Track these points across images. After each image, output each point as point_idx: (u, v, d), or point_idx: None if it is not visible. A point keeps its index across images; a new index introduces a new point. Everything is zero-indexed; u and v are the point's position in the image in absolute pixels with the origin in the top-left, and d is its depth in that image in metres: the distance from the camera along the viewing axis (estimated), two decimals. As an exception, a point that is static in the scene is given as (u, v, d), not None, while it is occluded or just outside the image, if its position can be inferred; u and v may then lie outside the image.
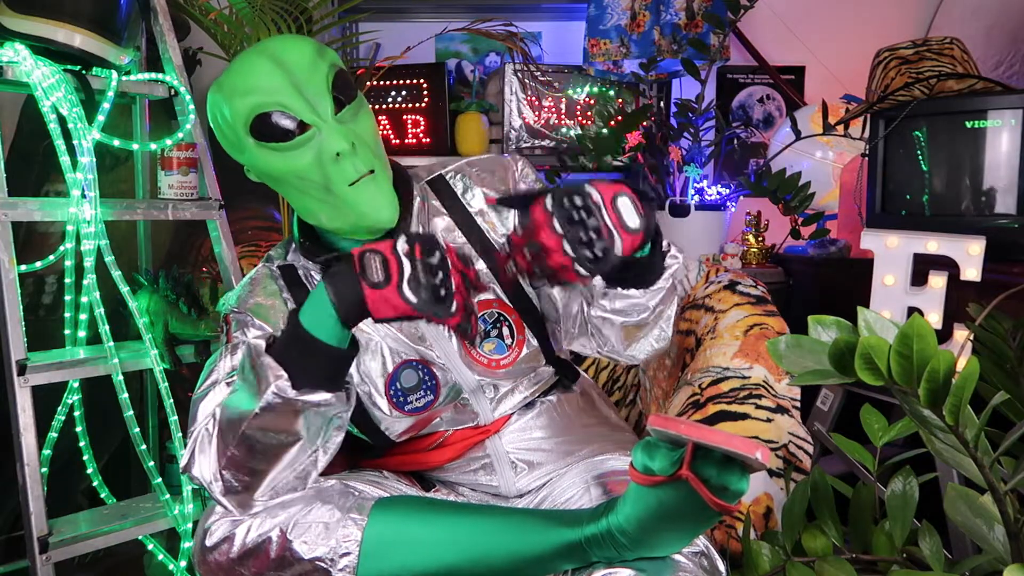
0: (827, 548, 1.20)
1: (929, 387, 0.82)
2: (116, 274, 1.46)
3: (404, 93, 2.74)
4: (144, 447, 1.48)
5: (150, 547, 1.56)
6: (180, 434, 1.51)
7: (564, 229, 0.86)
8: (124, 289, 1.47)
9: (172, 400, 1.50)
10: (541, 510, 1.04)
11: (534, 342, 1.19)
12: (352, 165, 1.05)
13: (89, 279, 1.45)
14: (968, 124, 1.65)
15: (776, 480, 1.40)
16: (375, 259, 0.87)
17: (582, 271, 0.87)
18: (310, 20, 2.06)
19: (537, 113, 2.78)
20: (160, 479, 1.50)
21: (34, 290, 1.90)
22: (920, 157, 1.73)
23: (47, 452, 1.48)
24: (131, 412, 1.47)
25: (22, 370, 1.36)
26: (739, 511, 1.34)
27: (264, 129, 1.05)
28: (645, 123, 2.52)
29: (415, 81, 2.73)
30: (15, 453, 1.36)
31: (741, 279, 1.63)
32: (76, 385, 1.54)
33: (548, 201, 0.88)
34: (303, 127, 1.05)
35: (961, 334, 1.40)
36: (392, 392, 1.14)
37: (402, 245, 0.88)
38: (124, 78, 1.56)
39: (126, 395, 1.45)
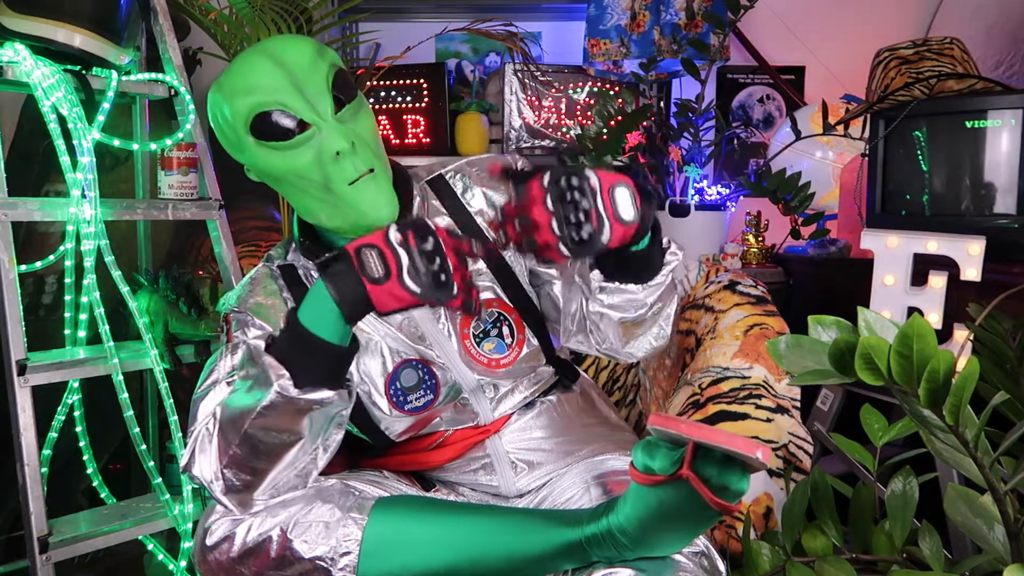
0: (827, 548, 1.20)
1: (929, 387, 0.82)
2: (116, 274, 1.46)
3: (404, 93, 2.74)
4: (144, 447, 1.48)
5: (150, 547, 1.56)
6: (180, 434, 1.51)
7: (555, 207, 0.87)
8: (124, 289, 1.47)
9: (172, 400, 1.50)
10: (541, 510, 1.04)
11: (534, 341, 1.19)
12: (352, 164, 1.05)
13: (89, 279, 1.45)
14: (968, 124, 1.65)
15: (776, 480, 1.40)
16: (372, 254, 0.87)
17: (564, 251, 0.87)
18: (310, 20, 2.06)
19: (537, 113, 2.78)
20: (160, 479, 1.50)
21: (34, 290, 1.90)
22: (920, 157, 1.73)
23: (47, 452, 1.48)
24: (131, 412, 1.47)
25: (22, 370, 1.36)
26: (739, 511, 1.34)
27: (264, 128, 1.05)
28: (645, 123, 2.52)
29: (415, 81, 2.73)
30: (15, 453, 1.36)
31: (741, 279, 1.63)
32: (76, 385, 1.54)
33: (546, 178, 0.88)
34: (303, 126, 1.05)
35: (961, 334, 1.40)
36: (392, 391, 1.14)
37: (394, 235, 0.88)
38: (124, 78, 1.56)
39: (126, 395, 1.45)
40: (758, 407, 1.44)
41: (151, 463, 1.50)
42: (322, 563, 0.98)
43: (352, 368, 0.99)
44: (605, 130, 2.56)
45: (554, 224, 0.87)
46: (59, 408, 1.53)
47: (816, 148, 2.49)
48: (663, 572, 0.94)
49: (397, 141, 2.75)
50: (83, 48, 1.45)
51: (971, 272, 1.40)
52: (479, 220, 1.19)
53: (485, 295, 1.17)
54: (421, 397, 1.15)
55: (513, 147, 2.78)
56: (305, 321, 0.91)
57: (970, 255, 1.40)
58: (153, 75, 1.62)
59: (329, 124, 1.05)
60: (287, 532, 0.98)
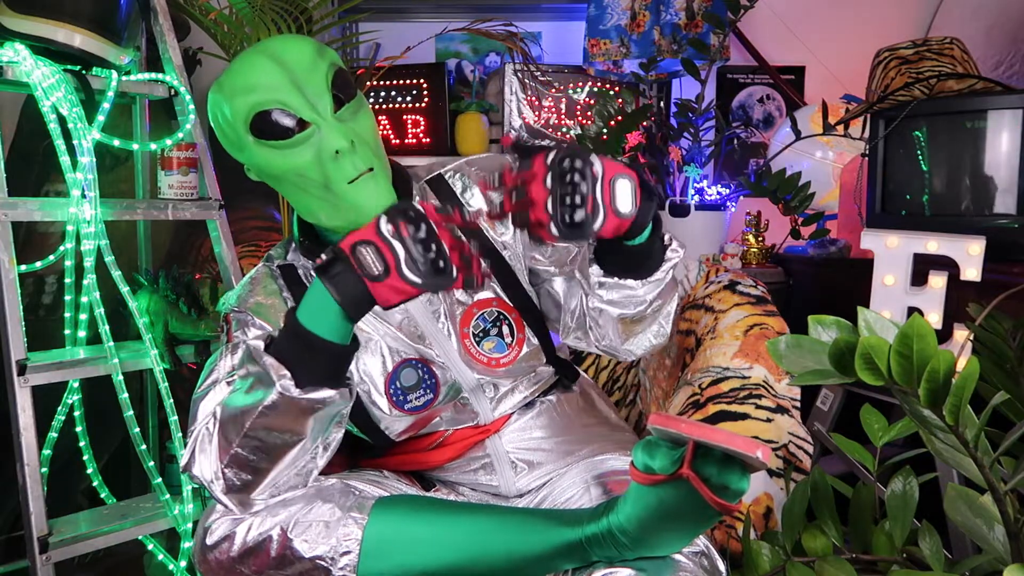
0: (827, 548, 1.20)
1: (929, 387, 0.82)
2: (116, 274, 1.46)
3: (404, 93, 2.74)
4: (144, 447, 1.48)
5: (150, 547, 1.56)
6: (180, 434, 1.51)
7: (554, 186, 0.86)
8: (124, 289, 1.47)
9: (172, 400, 1.50)
10: (541, 509, 1.04)
11: (534, 341, 1.19)
12: (351, 163, 1.05)
13: (89, 279, 1.45)
14: (968, 124, 1.65)
15: (776, 480, 1.40)
16: (368, 251, 0.87)
17: (554, 231, 0.87)
18: (310, 20, 2.06)
19: (537, 113, 2.78)
20: (160, 479, 1.50)
21: (34, 290, 1.90)
22: (920, 157, 1.73)
23: (47, 452, 1.48)
24: (131, 412, 1.47)
25: (22, 370, 1.36)
26: (739, 511, 1.34)
27: (264, 127, 1.05)
28: (645, 123, 2.52)
29: (415, 81, 2.73)
30: (15, 453, 1.36)
31: (741, 279, 1.63)
32: (76, 385, 1.54)
33: (551, 156, 0.88)
34: (303, 125, 1.05)
35: (961, 334, 1.40)
36: (392, 391, 1.14)
37: (385, 226, 0.87)
38: (124, 78, 1.56)
39: (126, 395, 1.45)
40: (758, 407, 1.44)
41: (151, 463, 1.50)
42: (322, 562, 0.98)
43: (352, 367, 0.99)
44: (605, 130, 2.57)
45: (549, 203, 0.86)
46: (59, 408, 1.53)
47: (816, 148, 2.49)
48: (663, 572, 0.94)
49: (397, 141, 2.75)
50: (83, 48, 1.45)
51: (971, 272, 1.40)
52: (479, 220, 1.19)
53: (485, 294, 1.18)
54: (421, 396, 1.15)
55: (513, 147, 2.77)
56: (305, 321, 0.91)
57: (970, 255, 1.40)
58: (153, 75, 1.62)
59: (329, 123, 1.05)
60: (287, 531, 0.98)
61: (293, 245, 1.21)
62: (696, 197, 2.51)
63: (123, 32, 1.52)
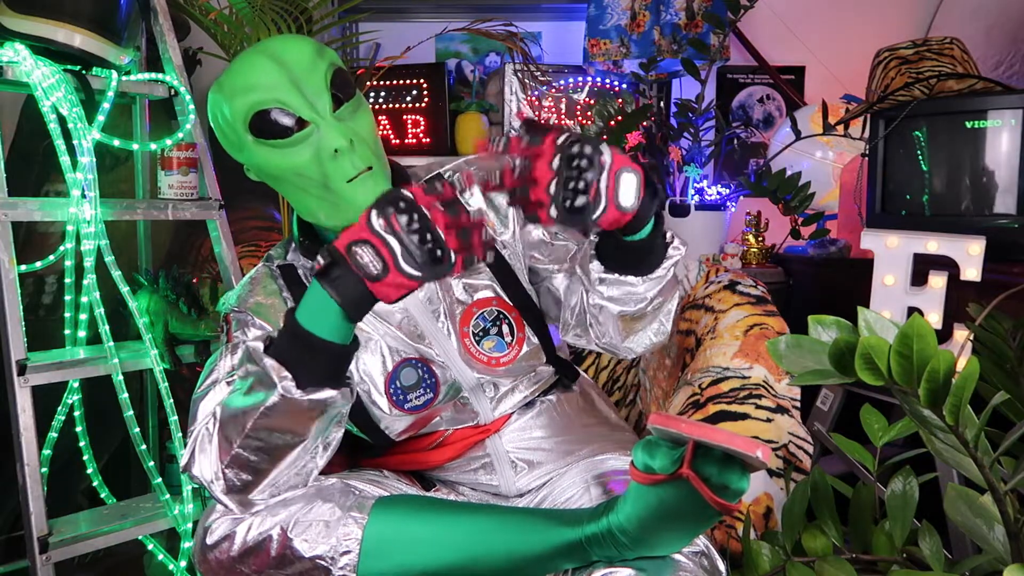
0: (827, 548, 1.20)
1: (929, 387, 0.82)
2: (116, 274, 1.46)
3: (404, 93, 2.74)
4: (144, 447, 1.48)
5: (150, 547, 1.56)
6: (180, 434, 1.51)
7: (559, 168, 0.85)
8: (124, 289, 1.47)
9: (172, 400, 1.50)
10: (541, 509, 1.04)
11: (534, 340, 1.19)
12: (350, 162, 1.05)
13: (89, 279, 1.45)
14: (968, 124, 1.65)
15: (776, 480, 1.40)
16: (364, 251, 0.86)
17: (553, 214, 0.86)
18: (310, 20, 2.06)
19: (537, 113, 2.78)
20: (160, 479, 1.50)
21: (34, 290, 1.90)
22: (920, 157, 1.73)
23: (47, 452, 1.48)
24: (131, 412, 1.47)
25: (22, 370, 1.36)
26: (739, 511, 1.34)
27: (263, 126, 1.05)
28: (645, 123, 2.52)
29: (415, 81, 2.73)
30: (15, 453, 1.36)
31: (741, 279, 1.63)
32: (76, 385, 1.54)
33: (561, 137, 0.87)
34: (302, 124, 1.05)
35: (961, 334, 1.40)
36: (392, 390, 1.14)
37: (377, 221, 0.86)
38: (124, 78, 1.56)
39: (126, 395, 1.45)
40: (758, 407, 1.44)
41: (151, 463, 1.50)
42: (322, 562, 0.98)
43: (352, 367, 0.99)
44: (605, 130, 2.57)
45: (552, 185, 0.85)
46: (59, 408, 1.53)
47: (816, 148, 2.49)
48: (663, 572, 0.94)
49: (397, 141, 2.75)
50: (83, 48, 1.45)
51: (971, 272, 1.40)
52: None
53: (484, 293, 1.17)
54: (421, 396, 1.15)
55: (513, 147, 2.77)
56: (304, 322, 0.90)
57: (970, 255, 1.40)
58: (153, 75, 1.62)
59: (327, 122, 1.05)
60: (287, 531, 0.98)
61: (293, 245, 1.21)
62: (696, 197, 2.51)
63: (123, 32, 1.52)
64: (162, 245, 2.10)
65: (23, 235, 1.86)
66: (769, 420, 1.43)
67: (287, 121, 1.05)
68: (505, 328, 1.17)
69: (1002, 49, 2.44)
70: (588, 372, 1.72)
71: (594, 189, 0.85)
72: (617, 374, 1.72)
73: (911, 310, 1.44)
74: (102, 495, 1.60)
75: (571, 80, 2.75)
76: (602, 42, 2.75)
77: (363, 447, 1.22)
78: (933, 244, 1.43)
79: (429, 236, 0.85)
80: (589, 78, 2.75)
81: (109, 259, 1.45)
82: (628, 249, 0.96)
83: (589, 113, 2.76)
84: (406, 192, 0.86)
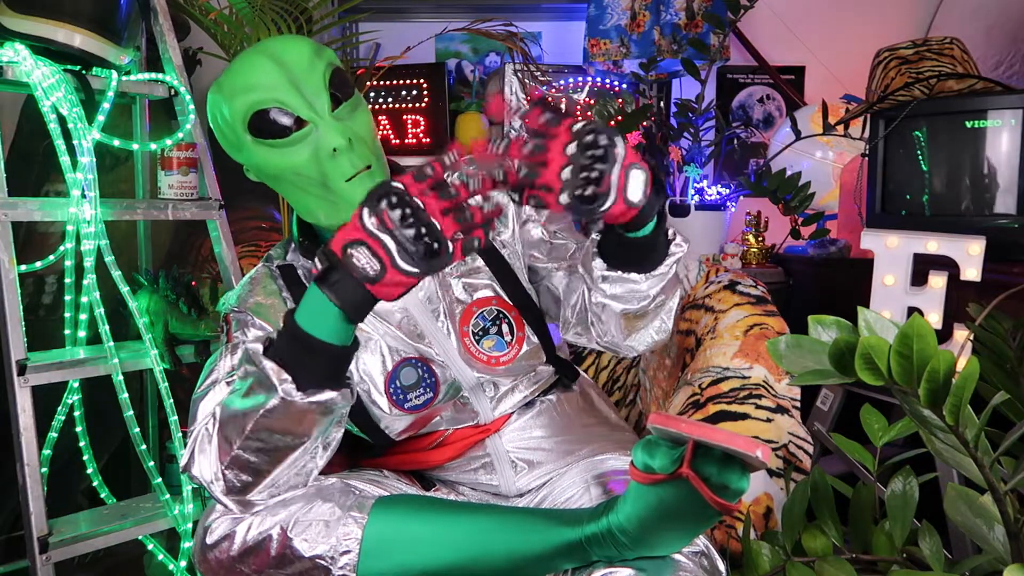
0: (827, 548, 1.20)
1: (929, 387, 0.82)
2: (116, 274, 1.46)
3: (404, 93, 2.74)
4: (144, 447, 1.48)
5: (150, 547, 1.56)
6: (180, 434, 1.51)
7: (574, 156, 0.83)
8: (124, 289, 1.47)
9: (172, 400, 1.50)
10: (541, 509, 1.04)
11: (534, 339, 1.19)
12: (349, 161, 1.05)
13: (89, 279, 1.45)
14: (968, 124, 1.65)
15: (776, 480, 1.40)
16: (361, 252, 0.84)
17: (563, 200, 0.83)
18: (310, 20, 2.06)
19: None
20: (160, 479, 1.50)
21: (34, 290, 1.90)
22: (920, 157, 1.73)
23: (47, 452, 1.48)
24: (131, 412, 1.47)
25: (22, 370, 1.36)
26: (739, 511, 1.34)
27: (262, 126, 1.06)
28: (645, 123, 2.52)
29: (415, 81, 2.73)
30: (15, 453, 1.36)
31: (741, 279, 1.63)
32: (76, 385, 1.54)
33: (578, 124, 0.85)
34: (300, 123, 1.06)
35: (961, 334, 1.40)
36: (391, 390, 1.14)
37: (370, 220, 0.83)
38: (124, 78, 1.56)
39: (126, 395, 1.45)
40: (758, 407, 1.44)
41: (151, 463, 1.50)
42: (322, 562, 0.97)
43: (351, 367, 0.98)
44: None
45: (566, 171, 0.83)
46: (59, 408, 1.53)
47: (816, 148, 2.49)
48: (663, 572, 0.94)
49: (397, 141, 2.75)
50: (83, 48, 1.45)
51: (971, 272, 1.40)
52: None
53: (484, 292, 1.17)
54: (421, 395, 1.15)
55: (513, 147, 2.77)
56: (304, 324, 0.89)
57: (970, 255, 1.40)
58: (153, 75, 1.63)
59: (326, 121, 1.05)
60: (287, 531, 0.98)
61: (292, 245, 1.21)
62: (696, 197, 2.51)
63: (123, 32, 1.52)
64: (162, 245, 2.10)
65: (23, 235, 1.86)
66: (769, 420, 1.43)
67: (286, 121, 1.05)
68: (505, 327, 1.17)
69: (1002, 49, 2.44)
70: (588, 372, 1.72)
71: (607, 181, 0.83)
72: (617, 374, 1.72)
73: (911, 310, 1.44)
74: (102, 495, 1.60)
75: (571, 80, 2.75)
76: (602, 42, 2.75)
77: (363, 447, 1.22)
78: (933, 244, 1.43)
79: (424, 229, 0.82)
80: (589, 78, 2.75)
81: (109, 259, 1.45)
82: (631, 246, 0.96)
83: (589, 113, 2.76)
84: (396, 184, 0.83)
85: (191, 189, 1.61)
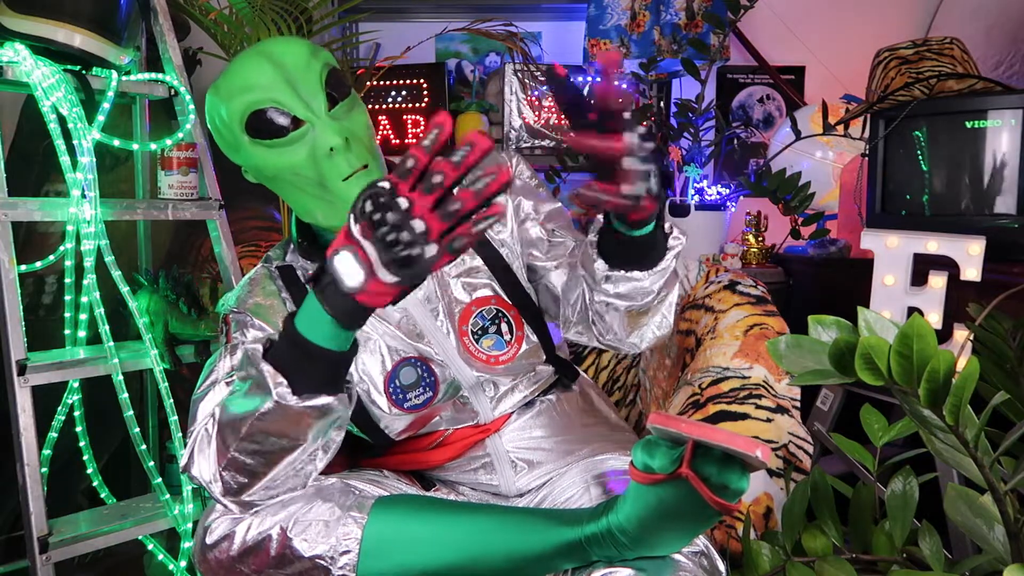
0: (827, 548, 1.20)
1: (929, 387, 0.82)
2: (116, 274, 1.46)
3: (404, 93, 2.74)
4: (144, 447, 1.48)
5: (150, 547, 1.56)
6: (180, 434, 1.51)
7: (636, 146, 0.86)
8: (124, 289, 1.47)
9: (172, 400, 1.50)
10: (541, 509, 1.04)
11: (533, 338, 1.19)
12: (346, 160, 1.05)
13: (89, 279, 1.45)
14: (968, 124, 1.65)
15: (776, 480, 1.40)
16: (346, 258, 0.80)
17: (626, 191, 0.85)
18: (310, 20, 2.06)
19: (537, 113, 2.78)
20: (160, 479, 1.50)
21: (34, 290, 1.90)
22: (920, 157, 1.73)
23: (47, 452, 1.48)
24: (131, 412, 1.47)
25: (22, 370, 1.36)
26: (739, 511, 1.34)
27: (259, 126, 1.06)
28: (645, 123, 2.52)
29: (415, 81, 2.73)
30: (15, 453, 1.36)
31: (741, 279, 1.63)
32: (76, 385, 1.54)
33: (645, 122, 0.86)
34: (297, 123, 1.06)
35: (961, 334, 1.40)
36: (391, 390, 1.14)
37: (355, 226, 0.78)
38: (124, 78, 1.56)
39: (126, 395, 1.45)
40: (758, 407, 1.44)
41: (151, 463, 1.50)
42: (322, 562, 0.97)
43: (351, 367, 0.98)
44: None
45: (630, 161, 0.86)
46: (59, 408, 1.53)
47: (816, 148, 2.49)
48: (663, 572, 0.94)
49: (397, 141, 2.75)
50: (83, 48, 1.45)
51: (971, 272, 1.40)
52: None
53: (483, 292, 1.17)
54: (420, 395, 1.15)
55: (513, 147, 2.78)
56: (303, 329, 0.88)
57: (970, 255, 1.40)
58: (153, 75, 1.63)
59: (323, 121, 1.05)
60: (287, 531, 0.98)
61: (292, 246, 1.21)
62: (696, 197, 2.51)
63: (123, 32, 1.52)
64: (162, 245, 2.10)
65: (23, 235, 1.86)
66: (769, 420, 1.43)
67: (283, 120, 1.05)
68: (504, 326, 1.17)
69: (1002, 49, 2.44)
70: (588, 372, 1.72)
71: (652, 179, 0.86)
72: (617, 374, 1.72)
73: (911, 310, 1.44)
74: (102, 495, 1.60)
75: (570, 80, 2.75)
76: (602, 42, 2.75)
77: (363, 447, 1.22)
78: (933, 244, 1.43)
79: (403, 236, 0.75)
80: (589, 78, 2.75)
81: (109, 259, 1.45)
82: (632, 244, 0.96)
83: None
84: (383, 183, 0.76)
85: (191, 189, 1.61)
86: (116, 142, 1.51)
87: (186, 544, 1.50)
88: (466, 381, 1.17)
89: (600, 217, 0.97)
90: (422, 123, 2.73)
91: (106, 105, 1.50)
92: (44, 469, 1.45)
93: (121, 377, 1.45)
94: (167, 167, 1.59)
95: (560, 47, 2.98)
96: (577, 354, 1.72)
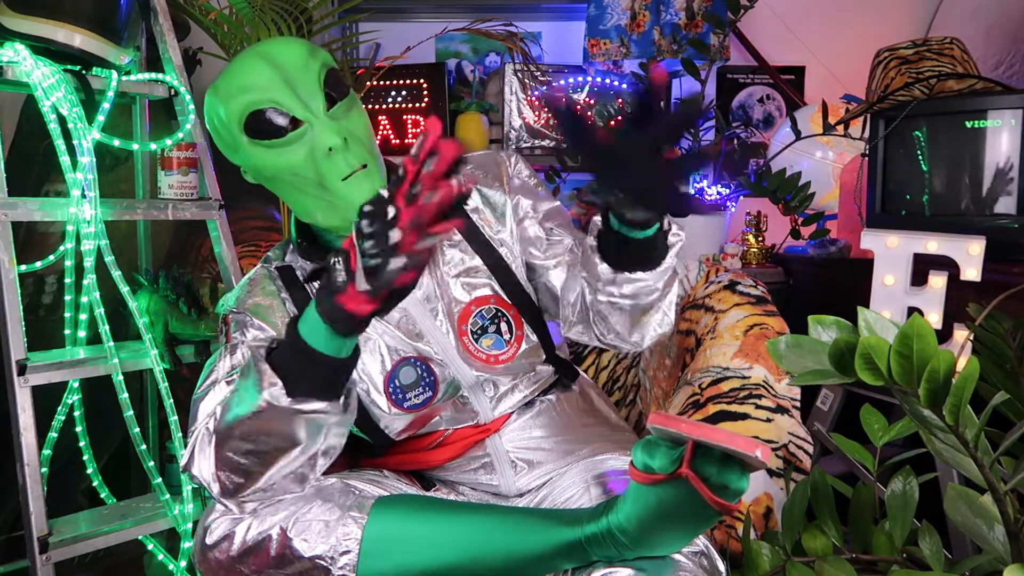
0: (827, 548, 1.20)
1: (929, 387, 0.82)
2: (116, 274, 1.46)
3: (404, 93, 2.74)
4: (144, 447, 1.48)
5: (150, 547, 1.56)
6: (180, 434, 1.51)
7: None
8: (124, 289, 1.47)
9: (172, 400, 1.50)
10: (541, 509, 1.04)
11: (533, 338, 1.19)
12: (344, 160, 1.05)
13: (89, 279, 1.45)
14: (968, 124, 1.65)
15: (776, 480, 1.40)
16: (338, 262, 0.82)
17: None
18: (310, 20, 2.06)
19: (537, 113, 2.78)
20: (160, 479, 1.50)
21: (34, 290, 1.90)
22: (920, 157, 1.73)
23: (47, 452, 1.48)
24: (131, 412, 1.47)
25: (22, 370, 1.36)
26: (739, 511, 1.34)
27: (258, 126, 1.06)
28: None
29: (415, 81, 2.73)
30: (15, 453, 1.36)
31: (741, 279, 1.63)
32: (76, 385, 1.54)
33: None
34: (296, 123, 1.06)
35: (961, 334, 1.40)
36: (391, 389, 1.14)
37: (354, 233, 0.81)
38: (124, 78, 1.56)
39: (126, 395, 1.45)
40: (758, 407, 1.44)
41: (151, 463, 1.50)
42: (322, 562, 0.98)
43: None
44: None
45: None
46: (59, 408, 1.53)
47: (816, 148, 2.49)
48: (663, 572, 0.94)
49: (397, 141, 2.75)
50: (83, 48, 1.45)
51: (971, 272, 1.40)
52: (475, 217, 1.19)
53: (482, 291, 1.17)
54: (420, 394, 1.15)
55: (513, 147, 2.78)
56: (303, 333, 0.89)
57: (970, 255, 1.40)
58: (153, 75, 1.63)
59: (321, 121, 1.06)
60: (287, 531, 0.98)
61: (291, 247, 1.21)
62: (696, 197, 2.51)
63: (123, 32, 1.52)
64: (162, 245, 2.10)
65: (23, 235, 1.86)
66: (769, 420, 1.43)
67: (281, 121, 1.05)
68: (504, 326, 1.17)
69: (1002, 49, 2.44)
70: (588, 372, 1.72)
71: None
72: (617, 374, 1.72)
73: (911, 310, 1.44)
74: (102, 495, 1.60)
75: (571, 80, 2.75)
76: (602, 42, 2.75)
77: (363, 447, 1.22)
78: (933, 244, 1.43)
79: (375, 246, 0.77)
80: (589, 78, 2.75)
81: (109, 259, 1.45)
82: (635, 246, 0.96)
83: (589, 113, 2.76)
84: (384, 192, 0.79)
85: (191, 189, 1.61)
86: (116, 142, 1.51)
87: (186, 544, 1.50)
88: (466, 381, 1.17)
89: (598, 219, 0.97)
90: (422, 123, 2.73)
91: (106, 105, 1.50)
92: (44, 469, 1.45)
93: (121, 377, 1.45)
94: (167, 167, 1.59)
95: (560, 47, 2.98)
96: (577, 354, 1.72)
